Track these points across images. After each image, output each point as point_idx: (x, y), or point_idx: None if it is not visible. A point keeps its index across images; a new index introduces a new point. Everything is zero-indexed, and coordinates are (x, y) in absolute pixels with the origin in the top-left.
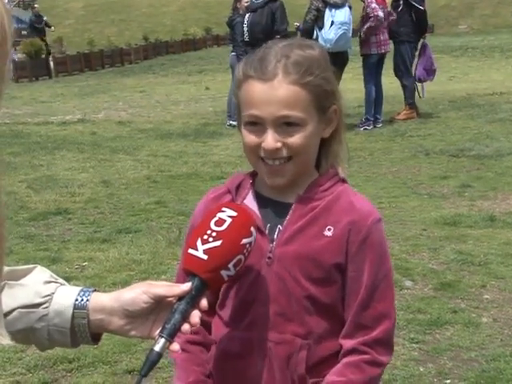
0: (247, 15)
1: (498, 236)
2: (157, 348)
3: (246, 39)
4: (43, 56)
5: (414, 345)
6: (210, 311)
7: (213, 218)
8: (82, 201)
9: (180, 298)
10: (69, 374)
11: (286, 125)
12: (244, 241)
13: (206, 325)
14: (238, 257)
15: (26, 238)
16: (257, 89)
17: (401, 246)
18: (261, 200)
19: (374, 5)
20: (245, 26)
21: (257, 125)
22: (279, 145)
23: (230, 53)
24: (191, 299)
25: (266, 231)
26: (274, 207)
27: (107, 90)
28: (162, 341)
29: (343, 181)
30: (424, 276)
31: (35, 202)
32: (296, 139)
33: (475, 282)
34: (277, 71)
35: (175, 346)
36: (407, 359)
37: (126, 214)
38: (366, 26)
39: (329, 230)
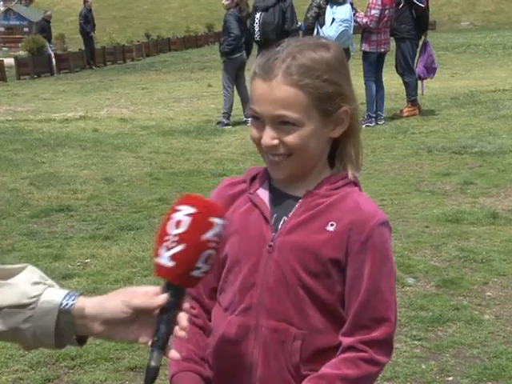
0: (258, 14)
1: (500, 233)
2: (153, 363)
3: (257, 39)
4: (46, 53)
5: (416, 342)
6: (213, 295)
7: (169, 219)
8: (85, 198)
9: (162, 308)
10: (71, 371)
11: (283, 123)
12: (205, 236)
13: (207, 310)
14: (206, 253)
15: (29, 234)
16: (258, 87)
17: (403, 243)
18: (273, 191)
19: (373, 11)
20: (256, 25)
21: (258, 120)
22: (275, 142)
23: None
24: (172, 306)
25: (272, 221)
26: (283, 199)
27: (109, 87)
28: (156, 354)
29: (355, 184)
30: (426, 273)
31: (37, 198)
32: (292, 138)
33: (477, 279)
34: (278, 72)
35: (175, 354)
36: (409, 356)
37: (128, 211)
38: (359, 21)
39: (331, 225)
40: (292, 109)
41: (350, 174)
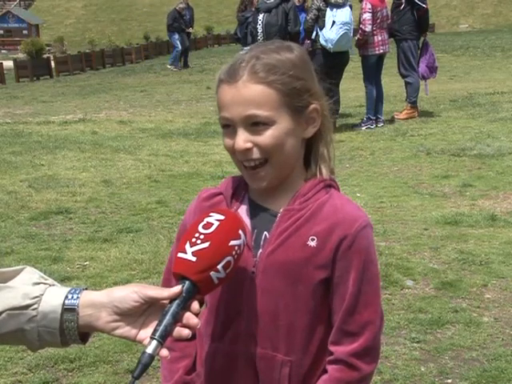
0: (261, 16)
1: (499, 235)
2: (149, 350)
3: (260, 40)
4: (44, 56)
5: (415, 344)
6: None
7: (200, 222)
8: (83, 200)
9: (172, 301)
10: (70, 374)
11: (255, 125)
12: (232, 242)
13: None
14: (227, 258)
15: (27, 237)
16: (225, 92)
17: (402, 245)
18: (253, 208)
19: (365, 15)
20: (259, 26)
21: (229, 127)
22: (249, 145)
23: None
24: (182, 302)
25: (252, 243)
26: (262, 213)
27: (108, 90)
28: (154, 343)
29: (330, 186)
30: (425, 275)
31: (36, 201)
32: (266, 138)
33: (476, 282)
34: (243, 72)
35: (164, 352)
36: (408, 359)
37: (127, 214)
38: (356, 38)
39: (312, 240)
40: (262, 107)
41: (325, 174)
